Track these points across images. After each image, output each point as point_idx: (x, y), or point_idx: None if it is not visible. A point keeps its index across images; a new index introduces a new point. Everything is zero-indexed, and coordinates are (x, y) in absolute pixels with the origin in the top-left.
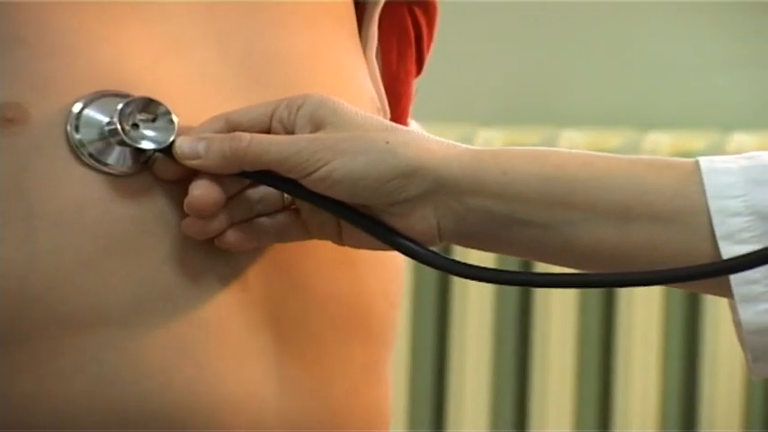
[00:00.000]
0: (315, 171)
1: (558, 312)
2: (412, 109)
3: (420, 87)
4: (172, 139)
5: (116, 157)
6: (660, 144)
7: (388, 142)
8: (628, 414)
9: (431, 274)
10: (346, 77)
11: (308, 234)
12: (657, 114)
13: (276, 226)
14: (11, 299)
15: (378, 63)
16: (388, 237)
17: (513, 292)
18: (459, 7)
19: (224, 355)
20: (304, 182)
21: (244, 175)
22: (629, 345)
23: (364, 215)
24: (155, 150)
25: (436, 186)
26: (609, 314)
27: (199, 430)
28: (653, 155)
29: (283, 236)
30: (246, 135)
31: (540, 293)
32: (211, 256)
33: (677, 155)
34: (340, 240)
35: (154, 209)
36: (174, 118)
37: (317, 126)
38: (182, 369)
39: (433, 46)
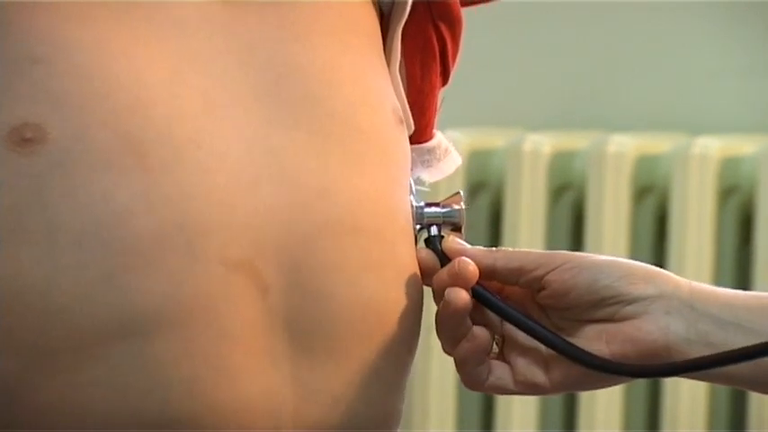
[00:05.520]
0: (564, 264)
1: None
2: (460, 114)
3: (469, 93)
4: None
5: None
6: (710, 148)
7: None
8: (676, 414)
9: None
10: (366, 89)
11: (512, 380)
12: (707, 119)
13: (485, 369)
14: (33, 313)
15: (402, 77)
16: (582, 356)
17: None
18: (509, 12)
19: (244, 363)
20: (549, 276)
21: (474, 292)
22: None
23: (565, 340)
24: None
25: (673, 290)
26: None
27: None
28: (703, 159)
29: (489, 377)
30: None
31: None
32: (233, 267)
33: (727, 159)
34: (546, 384)
35: (172, 224)
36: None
37: None
38: (203, 378)
39: (482, 52)
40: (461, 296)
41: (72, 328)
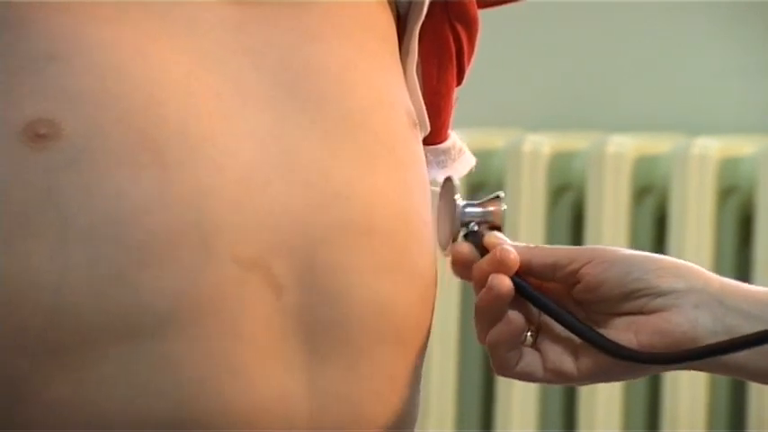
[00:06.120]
0: (596, 258)
1: None
2: (460, 114)
3: (469, 93)
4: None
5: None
6: (709, 149)
7: None
8: (676, 414)
9: None
10: (380, 91)
11: (542, 367)
12: (706, 119)
13: (516, 355)
14: (44, 310)
15: (418, 78)
16: (610, 346)
17: None
18: (508, 14)
19: (257, 363)
20: (583, 269)
21: (513, 283)
22: None
23: (596, 332)
24: (473, 232)
25: (703, 285)
26: None
27: None
28: (702, 160)
29: (519, 363)
30: None
31: None
32: (246, 266)
33: (727, 160)
34: (574, 373)
35: (187, 222)
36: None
37: None
38: (215, 378)
39: (482, 52)
40: (505, 282)
41: (82, 325)
